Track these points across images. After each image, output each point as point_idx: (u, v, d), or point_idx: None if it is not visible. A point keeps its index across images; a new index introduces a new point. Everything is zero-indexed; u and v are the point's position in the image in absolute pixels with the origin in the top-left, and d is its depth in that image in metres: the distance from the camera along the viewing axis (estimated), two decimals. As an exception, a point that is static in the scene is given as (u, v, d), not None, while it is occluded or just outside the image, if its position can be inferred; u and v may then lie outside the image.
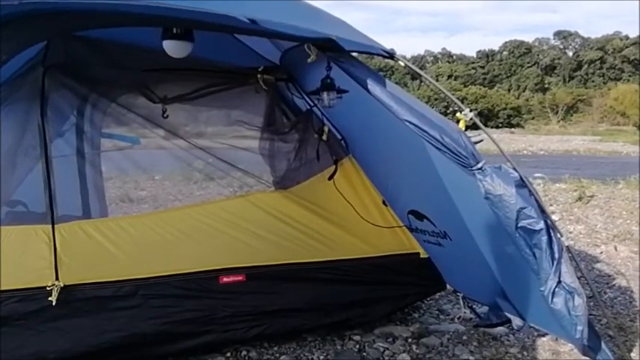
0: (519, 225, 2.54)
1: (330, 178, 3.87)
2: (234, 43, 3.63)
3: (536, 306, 3.13)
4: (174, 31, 2.96)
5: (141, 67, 3.52)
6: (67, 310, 3.07)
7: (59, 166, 3.33)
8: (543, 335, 3.73)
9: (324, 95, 3.15)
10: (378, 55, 2.89)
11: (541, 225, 2.53)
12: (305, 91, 3.79)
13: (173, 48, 3.01)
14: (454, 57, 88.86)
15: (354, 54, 2.93)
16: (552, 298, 2.61)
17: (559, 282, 2.59)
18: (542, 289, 2.63)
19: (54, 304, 3.01)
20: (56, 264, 3.08)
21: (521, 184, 2.58)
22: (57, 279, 3.05)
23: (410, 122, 2.60)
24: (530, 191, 2.60)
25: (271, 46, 3.65)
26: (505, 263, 3.23)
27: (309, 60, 2.99)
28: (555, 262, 2.57)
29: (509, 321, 3.54)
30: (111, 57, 3.48)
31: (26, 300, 3.01)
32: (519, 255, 2.68)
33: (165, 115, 3.59)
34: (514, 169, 2.61)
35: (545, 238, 2.54)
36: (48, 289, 3.02)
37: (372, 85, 2.67)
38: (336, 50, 2.82)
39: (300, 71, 3.64)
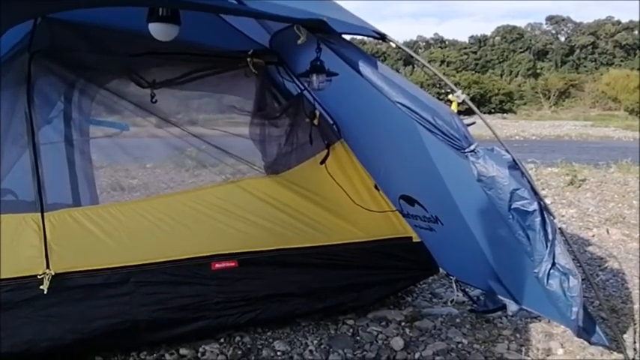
0: (513, 206, 2.54)
1: (322, 162, 3.84)
2: (223, 26, 3.57)
3: (530, 289, 3.13)
4: (160, 12, 2.90)
5: (128, 51, 3.47)
6: (58, 298, 3.04)
7: (47, 154, 3.28)
8: (536, 317, 3.74)
9: (314, 78, 3.11)
10: (369, 36, 2.86)
11: (534, 206, 2.53)
12: (295, 74, 3.74)
13: (159, 31, 2.94)
14: (446, 43, 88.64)
15: (345, 36, 2.89)
16: (547, 280, 2.61)
17: (554, 263, 2.59)
18: (536, 270, 2.63)
19: (45, 292, 2.98)
20: (47, 252, 3.05)
21: (514, 165, 2.57)
22: (48, 267, 3.02)
23: (402, 104, 2.58)
24: (522, 173, 2.59)
25: (260, 29, 3.59)
26: (498, 246, 3.23)
27: (299, 42, 2.93)
28: (549, 244, 2.56)
29: (504, 306, 3.54)
30: (97, 42, 3.42)
31: (17, 289, 2.98)
32: (512, 237, 2.68)
33: (153, 100, 3.54)
34: (507, 151, 2.60)
35: (538, 220, 2.53)
36: (39, 277, 2.99)
37: (363, 67, 2.63)
38: (327, 32, 2.78)
39: (290, 54, 3.59)
